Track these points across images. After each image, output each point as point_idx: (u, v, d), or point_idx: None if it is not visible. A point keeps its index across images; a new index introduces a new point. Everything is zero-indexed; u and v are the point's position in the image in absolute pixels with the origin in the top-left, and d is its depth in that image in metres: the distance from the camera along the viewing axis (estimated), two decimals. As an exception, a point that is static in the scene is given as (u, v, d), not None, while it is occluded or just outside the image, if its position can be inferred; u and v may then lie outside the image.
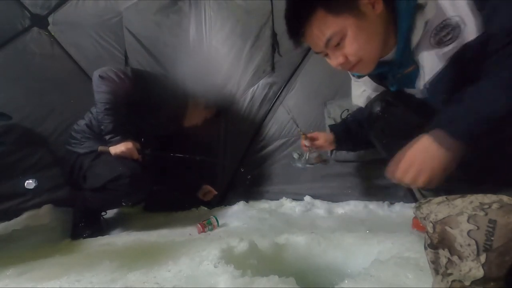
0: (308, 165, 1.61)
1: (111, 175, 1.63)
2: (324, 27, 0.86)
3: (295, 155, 1.63)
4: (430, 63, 0.84)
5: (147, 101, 1.81)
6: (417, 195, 1.23)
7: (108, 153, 1.71)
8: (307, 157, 1.60)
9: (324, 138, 1.49)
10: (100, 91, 1.71)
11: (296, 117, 2.15)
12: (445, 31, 0.79)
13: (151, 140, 1.93)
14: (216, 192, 2.14)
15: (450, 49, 0.79)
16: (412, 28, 0.84)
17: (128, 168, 1.64)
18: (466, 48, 0.77)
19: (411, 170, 0.77)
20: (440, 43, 0.80)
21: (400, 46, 0.88)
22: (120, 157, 1.70)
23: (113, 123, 1.69)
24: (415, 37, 0.84)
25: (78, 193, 1.81)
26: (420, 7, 0.81)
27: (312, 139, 1.50)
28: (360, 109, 1.48)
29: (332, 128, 1.58)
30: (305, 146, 1.52)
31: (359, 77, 1.13)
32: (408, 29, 0.85)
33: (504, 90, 0.71)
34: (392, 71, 0.99)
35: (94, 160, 1.73)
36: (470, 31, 0.76)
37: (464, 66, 0.79)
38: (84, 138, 1.80)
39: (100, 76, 1.70)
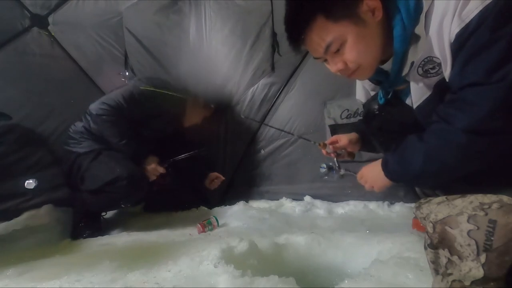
0: (342, 172, 1.45)
1: (108, 177, 1.62)
2: (324, 34, 0.86)
3: (323, 170, 1.47)
4: (418, 91, 0.89)
5: (147, 116, 1.84)
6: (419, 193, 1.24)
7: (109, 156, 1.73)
8: (337, 165, 1.44)
9: (345, 138, 1.36)
10: (105, 128, 1.74)
11: (296, 117, 2.16)
12: (431, 64, 0.83)
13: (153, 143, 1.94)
14: (223, 178, 2.14)
15: (435, 80, 0.84)
16: (405, 57, 0.87)
17: (126, 169, 1.63)
18: (446, 83, 0.81)
19: (364, 180, 1.07)
20: (427, 73, 0.84)
21: (395, 70, 0.91)
22: (119, 158, 1.70)
23: (131, 150, 1.75)
24: (405, 70, 0.88)
25: (77, 194, 1.81)
26: (416, 38, 0.82)
27: (333, 143, 1.37)
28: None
29: (353, 127, 1.47)
30: (329, 153, 1.39)
31: None
32: (403, 59, 0.87)
33: (423, 156, 0.80)
34: (384, 86, 1.00)
35: (93, 161, 1.73)
36: (449, 71, 0.79)
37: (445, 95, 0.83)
38: (82, 138, 1.80)
39: (97, 115, 1.72)
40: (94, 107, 1.73)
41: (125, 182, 1.61)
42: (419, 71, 0.85)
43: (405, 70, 0.88)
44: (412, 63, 0.85)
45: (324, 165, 1.47)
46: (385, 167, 0.94)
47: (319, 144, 1.42)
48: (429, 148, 0.80)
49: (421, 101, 0.89)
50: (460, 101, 0.74)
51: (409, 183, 0.94)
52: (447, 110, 0.77)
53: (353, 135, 1.38)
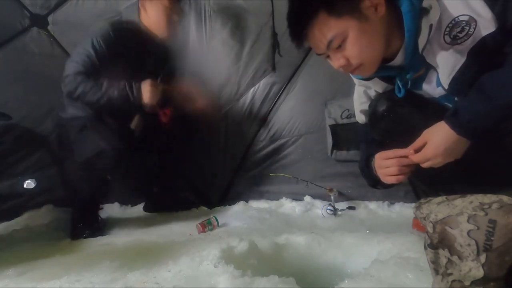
0: (340, 209, 1.84)
1: (93, 152, 1.62)
2: (326, 30, 0.86)
3: (329, 212, 1.79)
4: (449, 61, 0.84)
5: (131, 52, 1.76)
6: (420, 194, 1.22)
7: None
8: (333, 202, 1.84)
9: None
10: (82, 93, 1.65)
11: (297, 117, 2.16)
12: (458, 28, 0.79)
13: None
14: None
15: (468, 44, 0.79)
16: (419, 32, 0.84)
17: (110, 144, 1.63)
18: (484, 41, 0.77)
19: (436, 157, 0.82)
20: (456, 39, 0.80)
21: (409, 50, 0.88)
22: (103, 132, 1.67)
23: (111, 91, 1.65)
24: (421, 41, 0.85)
25: (67, 175, 1.80)
26: (425, 11, 0.81)
27: None
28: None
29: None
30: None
31: (367, 79, 1.11)
32: (416, 33, 0.85)
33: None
34: (400, 76, 0.98)
35: (78, 134, 1.70)
36: (486, 25, 0.76)
37: (485, 59, 0.79)
38: (67, 104, 1.75)
39: (73, 75, 1.66)
40: (69, 66, 1.69)
41: (109, 154, 1.61)
42: (447, 39, 0.81)
43: (423, 40, 0.84)
44: (431, 26, 0.81)
45: (329, 207, 1.79)
46: (455, 119, 0.77)
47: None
48: None
49: (455, 71, 0.83)
50: None
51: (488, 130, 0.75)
52: None
53: None
